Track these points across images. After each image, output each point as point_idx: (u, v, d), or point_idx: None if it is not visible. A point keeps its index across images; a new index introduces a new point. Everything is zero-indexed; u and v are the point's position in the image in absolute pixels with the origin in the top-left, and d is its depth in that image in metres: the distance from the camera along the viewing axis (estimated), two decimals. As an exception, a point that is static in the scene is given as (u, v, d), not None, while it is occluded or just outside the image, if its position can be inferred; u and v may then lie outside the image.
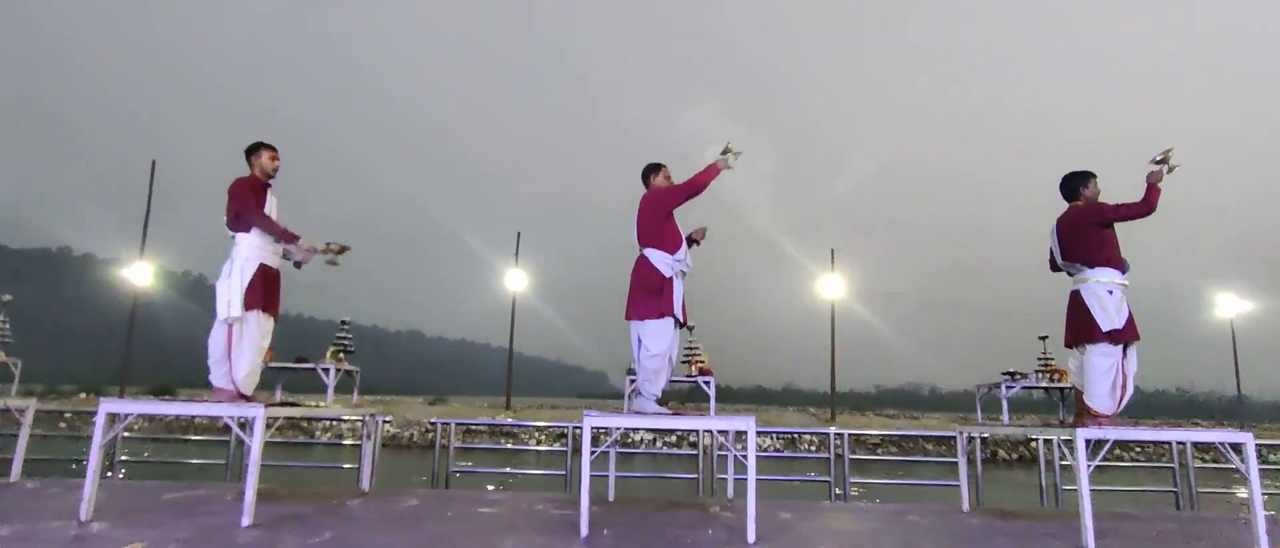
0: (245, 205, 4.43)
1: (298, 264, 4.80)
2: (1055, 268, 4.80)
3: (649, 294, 4.40)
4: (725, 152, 4.50)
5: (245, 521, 3.80)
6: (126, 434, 6.84)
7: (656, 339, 4.39)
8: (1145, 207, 4.40)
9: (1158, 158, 4.49)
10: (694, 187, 4.48)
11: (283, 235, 4.51)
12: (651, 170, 4.77)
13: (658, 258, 4.45)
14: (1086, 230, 4.52)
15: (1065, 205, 4.74)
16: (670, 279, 4.42)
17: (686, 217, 4.69)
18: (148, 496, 4.80)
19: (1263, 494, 3.97)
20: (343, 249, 4.69)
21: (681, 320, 4.50)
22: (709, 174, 4.47)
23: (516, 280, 28.12)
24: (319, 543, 3.43)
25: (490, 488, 9.45)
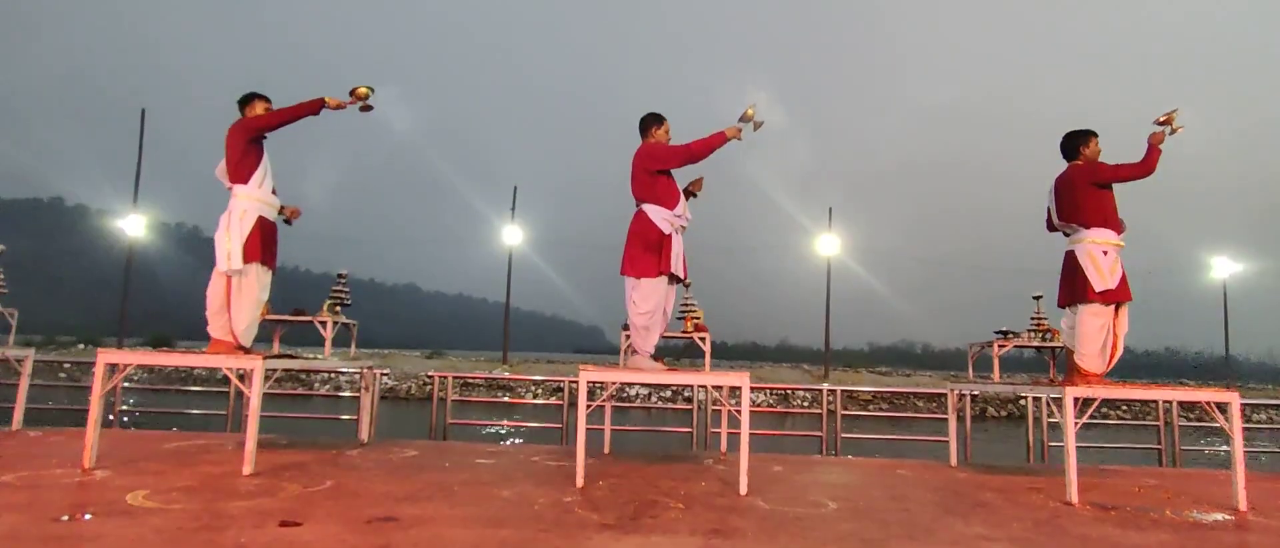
0: (262, 121, 4.37)
1: (288, 221, 4.79)
2: (1052, 228, 4.80)
3: (648, 250, 4.35)
4: (743, 118, 4.27)
5: (246, 469, 3.86)
6: (126, 385, 6.90)
7: (646, 296, 4.37)
8: (1144, 168, 4.38)
9: (1161, 119, 4.46)
10: (693, 154, 4.31)
11: (306, 109, 4.38)
12: (653, 121, 4.54)
13: (656, 213, 4.38)
14: (1083, 190, 4.51)
15: (1064, 164, 4.72)
16: (669, 236, 4.37)
17: (681, 168, 4.54)
18: (149, 444, 4.87)
19: (1244, 451, 4.06)
20: (370, 91, 4.48)
21: (681, 277, 4.49)
22: (714, 142, 4.28)
23: (513, 236, 28.08)
24: (320, 491, 3.49)
25: (499, 441, 9.59)
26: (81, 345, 31.33)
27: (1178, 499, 4.18)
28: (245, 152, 4.37)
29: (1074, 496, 3.91)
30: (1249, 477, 4.09)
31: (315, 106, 4.38)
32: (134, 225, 24.82)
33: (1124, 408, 19.64)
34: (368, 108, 4.52)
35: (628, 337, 5.44)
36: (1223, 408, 4.17)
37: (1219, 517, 3.71)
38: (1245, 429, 4.32)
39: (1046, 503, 3.91)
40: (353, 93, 4.44)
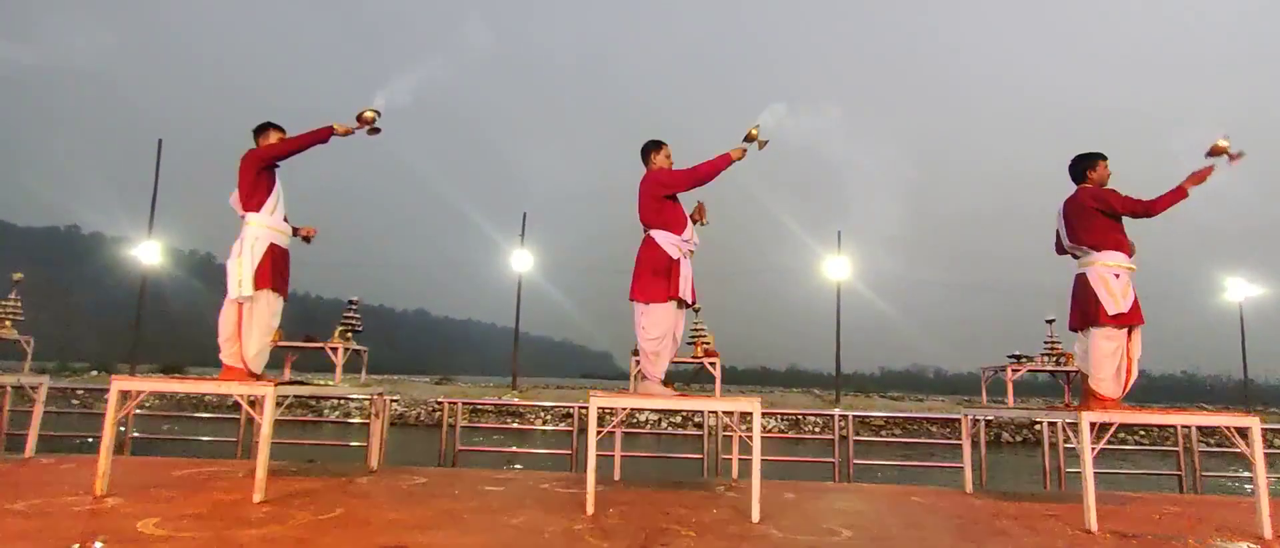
0: (272, 150, 4.41)
1: (306, 239, 4.83)
2: (1061, 251, 4.78)
3: (656, 275, 4.36)
4: (747, 138, 4.31)
5: (257, 496, 3.85)
6: (138, 411, 6.92)
7: (656, 322, 4.37)
8: (1149, 210, 4.34)
9: (1212, 149, 4.22)
10: (699, 176, 4.36)
11: (314, 138, 4.39)
12: (653, 148, 4.60)
13: (665, 239, 4.40)
14: (1092, 213, 4.49)
15: (1074, 187, 4.70)
16: (678, 260, 4.39)
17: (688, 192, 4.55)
18: (160, 472, 4.87)
19: (1268, 478, 3.98)
20: (376, 114, 4.47)
21: (690, 302, 4.48)
22: (719, 164, 4.33)
23: (522, 261, 28.16)
24: (330, 519, 3.48)
25: (508, 467, 9.51)
26: (95, 372, 31.50)
27: (1200, 527, 4.09)
28: (257, 180, 4.42)
29: (1093, 523, 3.84)
30: (1274, 503, 4.00)
31: (324, 135, 4.41)
32: (148, 253, 25.09)
33: (1141, 433, 19.33)
34: (376, 131, 4.52)
35: (637, 362, 5.42)
36: (1243, 433, 4.10)
37: (1244, 546, 3.63)
38: (1267, 455, 4.24)
39: (1065, 531, 3.84)
40: (359, 117, 4.44)
